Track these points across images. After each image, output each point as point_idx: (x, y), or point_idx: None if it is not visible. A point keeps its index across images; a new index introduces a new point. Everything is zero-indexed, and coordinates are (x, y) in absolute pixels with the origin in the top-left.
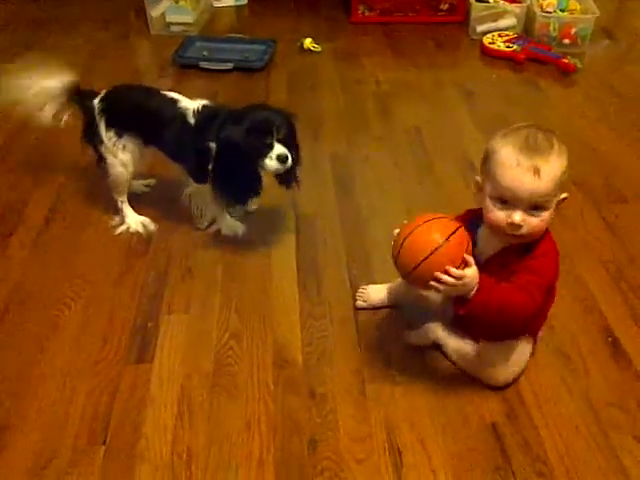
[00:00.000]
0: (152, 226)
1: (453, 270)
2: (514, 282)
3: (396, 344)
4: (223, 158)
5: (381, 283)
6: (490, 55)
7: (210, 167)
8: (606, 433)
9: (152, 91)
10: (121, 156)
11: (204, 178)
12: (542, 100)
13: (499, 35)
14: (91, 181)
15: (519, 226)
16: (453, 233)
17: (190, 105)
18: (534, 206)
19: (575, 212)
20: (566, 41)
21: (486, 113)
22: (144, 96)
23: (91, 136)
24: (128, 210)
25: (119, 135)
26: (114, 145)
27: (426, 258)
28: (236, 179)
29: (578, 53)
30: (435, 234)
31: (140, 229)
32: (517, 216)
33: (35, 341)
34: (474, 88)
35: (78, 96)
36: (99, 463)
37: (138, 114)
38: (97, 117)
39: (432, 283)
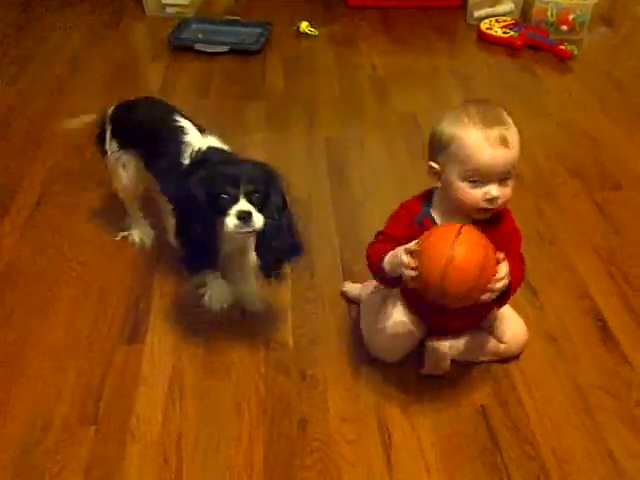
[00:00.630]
0: (149, 242)
1: (499, 276)
2: (515, 256)
3: None
4: (179, 208)
5: None
6: (487, 41)
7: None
8: (594, 416)
9: (167, 111)
10: (121, 173)
11: None
12: (538, 87)
13: (496, 21)
14: (84, 161)
15: (497, 199)
16: (488, 245)
17: (196, 142)
18: (504, 178)
19: (568, 198)
20: (564, 27)
21: (481, 98)
22: (156, 114)
23: (101, 142)
24: (134, 219)
25: (120, 148)
26: (116, 159)
27: (478, 276)
28: (190, 236)
29: (575, 40)
30: (473, 247)
31: (139, 242)
32: (494, 190)
33: (26, 320)
34: (470, 74)
35: None
36: (89, 442)
37: (140, 132)
38: (107, 123)
39: (488, 296)
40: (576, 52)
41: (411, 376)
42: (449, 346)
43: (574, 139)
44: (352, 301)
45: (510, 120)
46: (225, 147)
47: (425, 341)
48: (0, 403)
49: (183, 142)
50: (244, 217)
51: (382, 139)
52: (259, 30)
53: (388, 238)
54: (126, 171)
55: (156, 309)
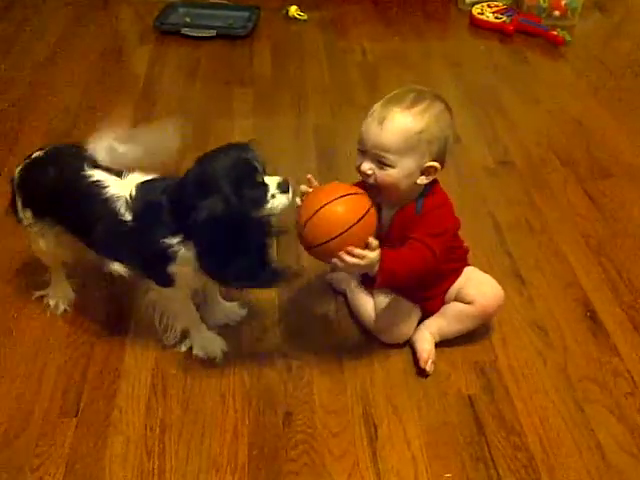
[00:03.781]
0: (64, 307)
1: (357, 251)
2: (410, 242)
3: None
4: (216, 240)
5: None
6: (479, 26)
7: (173, 269)
8: (581, 407)
9: (76, 166)
10: (41, 243)
11: (168, 279)
12: (530, 72)
13: (488, 6)
14: None
15: (367, 175)
16: (366, 213)
17: (121, 190)
18: (379, 160)
19: (558, 186)
20: (556, 13)
21: (473, 85)
22: (65, 173)
23: (14, 209)
24: (54, 279)
25: (36, 218)
26: (33, 229)
27: (335, 237)
28: (244, 255)
29: (568, 26)
30: (349, 214)
31: (54, 305)
32: (364, 164)
33: (6, 311)
34: (461, 59)
35: None
36: (71, 435)
37: (55, 201)
38: (15, 191)
39: (334, 260)
40: (568, 38)
41: (397, 368)
42: (426, 326)
43: (565, 126)
44: (337, 291)
45: (414, 114)
46: (151, 176)
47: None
48: None
49: (107, 199)
50: (285, 184)
51: None
52: (247, 14)
53: None
54: (46, 241)
55: (138, 302)
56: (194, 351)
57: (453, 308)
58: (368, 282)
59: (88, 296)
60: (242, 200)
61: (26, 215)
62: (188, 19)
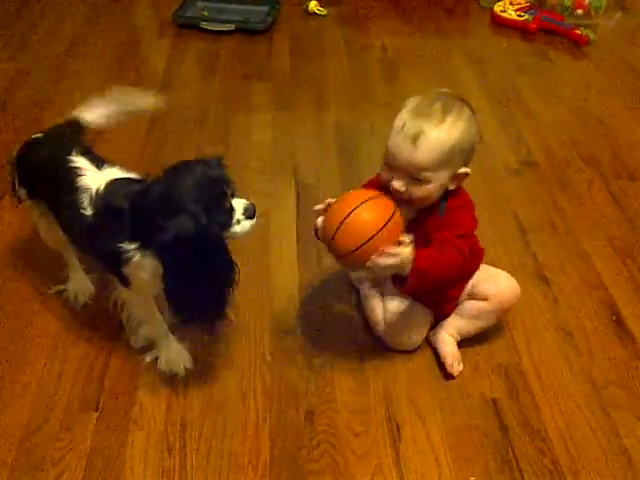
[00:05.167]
0: (84, 300)
1: (390, 249)
2: (437, 243)
3: None
4: (182, 262)
5: None
6: (501, 24)
7: (127, 272)
8: (608, 412)
9: (66, 149)
10: (41, 224)
11: (124, 280)
12: (552, 71)
13: (511, 3)
14: None
15: (400, 192)
16: (393, 214)
17: (92, 183)
18: (413, 177)
19: (583, 188)
20: (579, 11)
21: (494, 83)
22: (55, 155)
23: (14, 188)
24: (71, 270)
25: (31, 198)
26: (30, 208)
27: (366, 242)
28: (210, 280)
29: (591, 24)
30: (376, 217)
31: (73, 299)
32: (395, 183)
33: (27, 304)
34: (483, 57)
35: None
36: (91, 429)
37: (41, 181)
38: (13, 169)
39: (368, 264)
40: (592, 37)
41: (420, 368)
42: (444, 327)
43: (589, 126)
44: (357, 288)
45: (446, 127)
46: (128, 175)
47: (429, 338)
48: (1, 388)
49: (78, 188)
50: (251, 210)
51: (392, 122)
52: (266, 8)
53: None
54: (44, 223)
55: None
56: (158, 365)
57: (469, 306)
58: (398, 282)
59: (110, 290)
60: (210, 222)
61: (21, 194)
62: (206, 13)
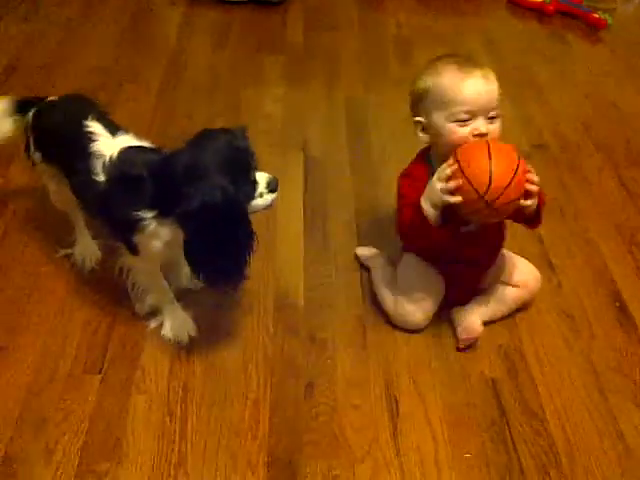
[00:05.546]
0: (92, 265)
1: (533, 177)
2: None
3: None
4: (206, 230)
5: (387, 230)
6: (517, 4)
7: (138, 239)
8: (606, 396)
9: (81, 114)
10: (52, 187)
11: (133, 247)
12: (567, 55)
13: None
14: None
15: (485, 135)
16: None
17: (105, 149)
18: (489, 116)
19: (593, 172)
20: None
21: (507, 63)
22: (70, 119)
23: (27, 151)
24: (79, 235)
25: (45, 161)
26: (43, 171)
27: (514, 175)
28: (229, 249)
29: (610, 9)
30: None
31: (80, 262)
32: (482, 126)
33: (34, 267)
34: (498, 38)
35: (19, 107)
36: (94, 391)
37: (55, 144)
38: (28, 133)
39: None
40: (610, 21)
41: (422, 346)
42: (475, 306)
43: (602, 111)
44: (364, 266)
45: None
46: (141, 143)
47: (452, 314)
48: (6, 349)
49: (91, 153)
50: (274, 184)
51: (404, 100)
52: None
53: (413, 202)
54: (55, 186)
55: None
56: (162, 331)
57: (500, 291)
58: (531, 223)
59: (116, 257)
60: (237, 192)
61: (36, 157)
62: None
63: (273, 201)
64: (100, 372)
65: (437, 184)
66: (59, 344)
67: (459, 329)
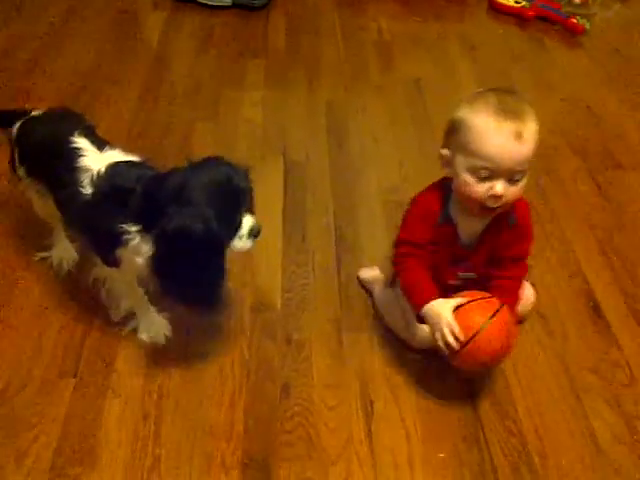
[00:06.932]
0: (68, 268)
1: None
2: (513, 263)
3: None
4: (176, 254)
5: (366, 234)
6: (498, 10)
7: (121, 253)
8: (578, 396)
9: (68, 129)
10: (36, 201)
11: (114, 261)
12: (546, 60)
13: None
14: None
15: (500, 197)
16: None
17: (93, 163)
18: (512, 177)
19: (569, 176)
20: (576, 1)
21: (488, 69)
22: (56, 134)
23: (12, 165)
24: (57, 238)
25: (29, 175)
26: (27, 186)
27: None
28: (197, 277)
29: (588, 14)
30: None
31: (57, 265)
32: (499, 187)
33: (10, 271)
34: (478, 43)
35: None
36: (68, 395)
37: (39, 158)
38: (13, 146)
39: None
40: (588, 27)
41: (397, 347)
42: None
43: (579, 115)
44: (366, 288)
45: (532, 116)
46: (130, 157)
47: None
48: None
49: (78, 167)
50: (256, 232)
51: (384, 105)
52: None
53: (415, 247)
54: (40, 200)
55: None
56: (138, 334)
57: None
58: None
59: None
60: (219, 228)
61: (20, 171)
62: None
63: (251, 247)
64: (75, 376)
65: (448, 335)
66: (34, 348)
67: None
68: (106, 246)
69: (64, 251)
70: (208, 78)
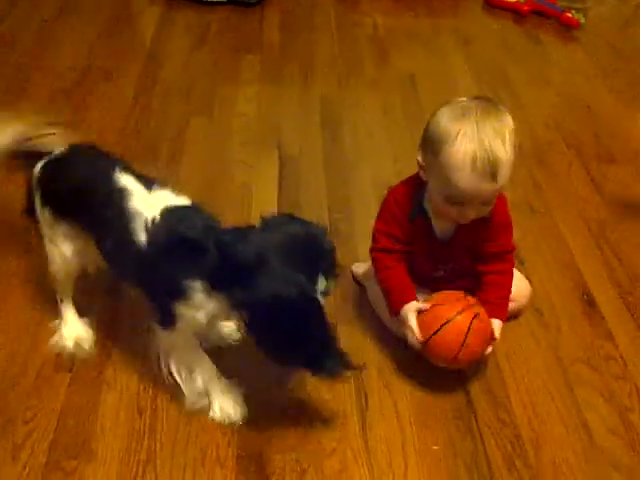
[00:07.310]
0: (86, 346)
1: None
2: (494, 253)
3: None
4: (274, 321)
5: (360, 228)
6: (493, 5)
7: (180, 309)
8: (571, 388)
9: (105, 167)
10: (61, 246)
11: (170, 317)
12: (541, 54)
13: None
14: None
15: (469, 219)
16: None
17: (143, 206)
18: (484, 203)
19: (563, 169)
20: None
21: (483, 64)
22: (94, 172)
23: (31, 210)
24: (68, 314)
25: (56, 218)
26: (51, 229)
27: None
28: (307, 341)
29: (583, 8)
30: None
31: (74, 347)
32: (471, 213)
33: (6, 265)
34: (474, 38)
35: (24, 157)
36: (64, 390)
37: (76, 200)
38: (34, 188)
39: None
40: (583, 21)
41: (390, 341)
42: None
43: (574, 110)
44: (359, 283)
45: (510, 151)
46: (182, 201)
47: None
48: None
49: (127, 211)
50: (327, 293)
51: (379, 100)
52: None
53: (388, 237)
54: (65, 244)
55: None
56: (210, 413)
57: None
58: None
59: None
60: (310, 289)
61: (44, 214)
62: None
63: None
64: (70, 370)
65: (415, 328)
66: (29, 343)
67: None
68: (164, 300)
69: (75, 330)
70: (203, 74)
